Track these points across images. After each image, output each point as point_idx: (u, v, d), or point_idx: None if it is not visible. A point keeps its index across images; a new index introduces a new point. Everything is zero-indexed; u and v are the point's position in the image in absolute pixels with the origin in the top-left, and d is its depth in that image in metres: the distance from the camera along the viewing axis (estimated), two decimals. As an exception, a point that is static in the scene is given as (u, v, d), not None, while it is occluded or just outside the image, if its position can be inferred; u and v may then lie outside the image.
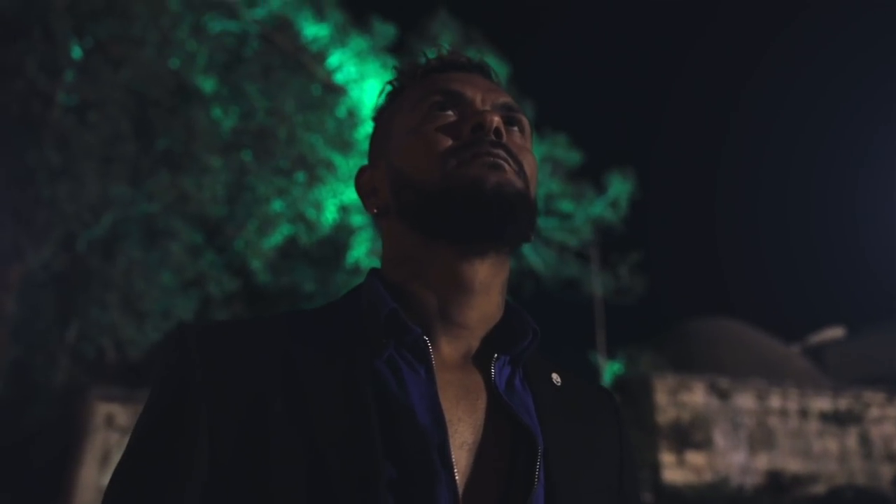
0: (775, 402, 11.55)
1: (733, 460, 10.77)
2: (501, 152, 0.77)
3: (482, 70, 0.89)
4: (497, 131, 0.78)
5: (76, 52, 10.15)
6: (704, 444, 10.64)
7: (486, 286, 0.78)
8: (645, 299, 15.21)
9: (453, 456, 0.68)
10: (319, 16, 12.23)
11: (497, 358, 0.78)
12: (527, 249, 16.04)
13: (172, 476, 0.67)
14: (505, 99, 0.84)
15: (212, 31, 11.21)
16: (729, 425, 10.96)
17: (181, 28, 10.45)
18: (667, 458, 10.36)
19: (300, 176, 11.19)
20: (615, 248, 16.42)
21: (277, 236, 11.29)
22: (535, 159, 0.84)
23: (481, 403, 0.75)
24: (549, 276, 16.22)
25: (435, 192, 0.76)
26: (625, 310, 15.56)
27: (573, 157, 15.87)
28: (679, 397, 10.75)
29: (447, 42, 15.34)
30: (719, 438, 10.83)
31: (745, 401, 11.24)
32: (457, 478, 0.68)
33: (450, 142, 0.78)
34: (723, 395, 11.09)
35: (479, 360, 0.78)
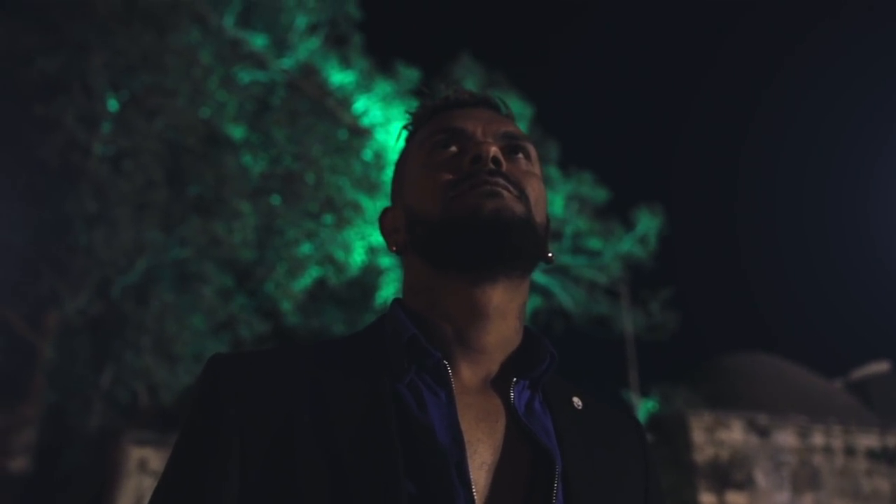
0: (818, 439, 11.15)
1: (777, 501, 10.37)
2: (500, 180, 0.80)
3: (487, 103, 0.92)
4: (495, 160, 0.81)
5: (112, 105, 10.54)
6: (745, 484, 10.27)
7: (502, 311, 0.81)
8: (678, 335, 14.94)
9: (473, 475, 0.71)
10: (345, 63, 12.55)
11: (516, 381, 0.80)
12: (556, 288, 15.95)
13: (206, 495, 0.69)
14: (507, 128, 0.88)
15: (241, 81, 11.56)
16: (770, 464, 10.58)
17: (212, 79, 10.81)
18: (706, 498, 10.01)
19: (328, 218, 11.35)
20: (646, 285, 16.23)
21: (307, 278, 11.40)
22: (541, 183, 0.86)
23: (501, 425, 0.77)
24: (580, 315, 16.06)
25: (438, 224, 0.80)
26: (657, 347, 15.28)
27: (600, 194, 15.85)
28: (716, 435, 10.43)
29: (472, 85, 15.61)
30: (761, 478, 10.45)
31: (786, 438, 10.86)
32: (476, 496, 0.69)
33: (451, 176, 0.82)
34: (762, 432, 10.74)
35: (499, 383, 0.80)
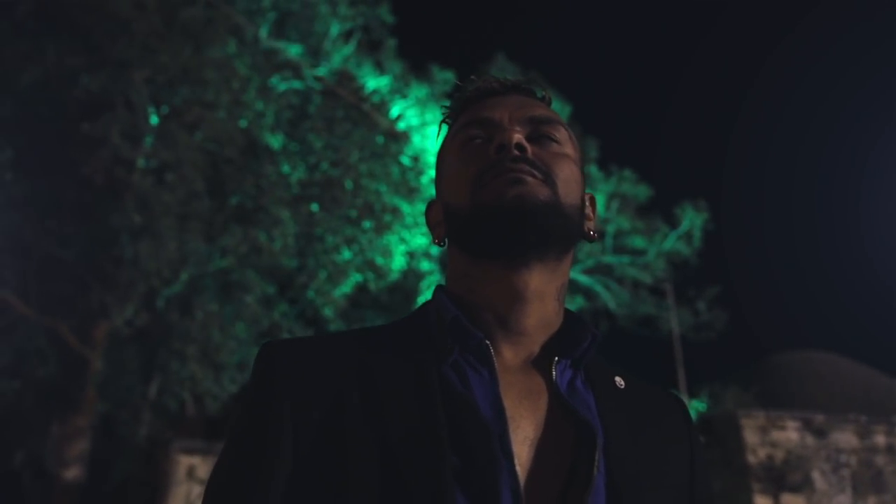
0: (880, 439, 10.69)
1: (837, 503, 9.98)
2: (523, 166, 0.82)
3: (518, 89, 0.93)
4: (519, 146, 0.83)
5: (154, 119, 10.75)
6: (802, 486, 9.89)
7: (540, 294, 0.82)
8: (727, 334, 14.54)
9: (516, 449, 0.73)
10: (379, 68, 12.59)
11: (558, 361, 0.82)
12: (599, 288, 15.71)
13: (262, 468, 0.73)
14: (534, 112, 0.88)
15: (278, 90, 11.69)
16: (829, 465, 10.17)
17: (249, 90, 10.95)
18: (761, 500, 9.67)
19: (367, 224, 11.37)
20: (692, 283, 15.87)
21: (347, 285, 11.43)
22: (572, 164, 0.87)
23: (543, 403, 0.79)
24: (624, 315, 15.79)
25: (468, 215, 0.83)
26: (706, 346, 14.90)
27: (642, 191, 15.56)
28: (770, 436, 10.08)
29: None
30: (819, 480, 10.06)
31: (845, 438, 10.44)
32: (519, 469, 0.72)
33: (478, 167, 0.84)
34: (819, 432, 10.34)
35: (541, 363, 0.82)
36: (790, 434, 10.23)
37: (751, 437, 10.05)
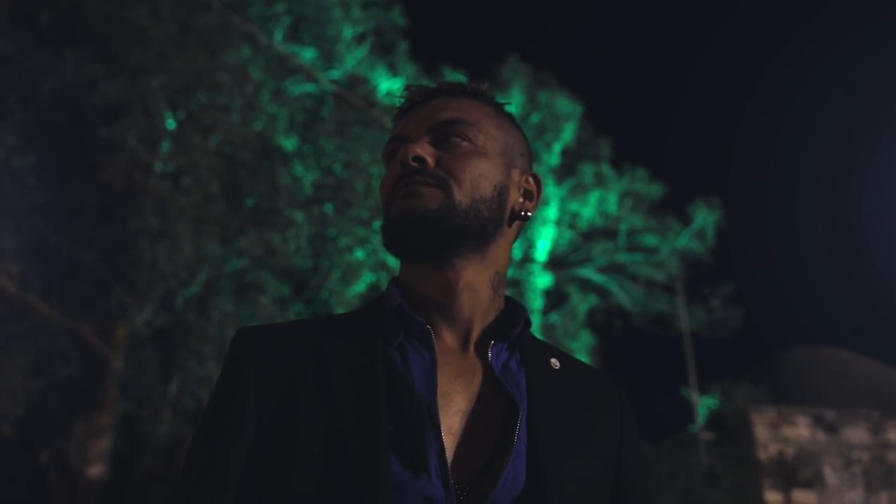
0: (893, 435, 10.66)
1: (849, 499, 9.96)
2: (418, 177, 0.88)
3: (439, 93, 0.96)
4: (417, 158, 0.89)
5: (170, 124, 10.97)
6: (814, 482, 9.89)
7: (470, 286, 0.91)
8: (741, 331, 14.51)
9: (448, 420, 0.83)
10: (392, 70, 12.71)
11: (494, 344, 0.90)
12: (612, 286, 15.72)
13: (228, 437, 0.83)
14: (442, 116, 0.92)
15: (291, 94, 11.85)
16: (840, 461, 10.17)
17: (263, 94, 11.12)
18: (772, 496, 9.70)
19: (379, 224, 11.48)
20: (706, 281, 15.82)
21: (361, 284, 11.56)
22: (480, 159, 0.91)
23: (477, 381, 0.88)
24: (638, 313, 15.76)
25: (382, 229, 0.92)
26: (719, 343, 14.86)
27: (654, 189, 15.55)
28: (781, 432, 10.10)
29: (518, 87, 15.51)
30: (830, 475, 10.06)
31: (856, 434, 10.43)
32: (447, 436, 0.82)
33: (390, 185, 0.92)
34: (830, 428, 10.33)
35: (480, 346, 0.91)
36: (801, 430, 10.24)
37: (761, 433, 10.08)
